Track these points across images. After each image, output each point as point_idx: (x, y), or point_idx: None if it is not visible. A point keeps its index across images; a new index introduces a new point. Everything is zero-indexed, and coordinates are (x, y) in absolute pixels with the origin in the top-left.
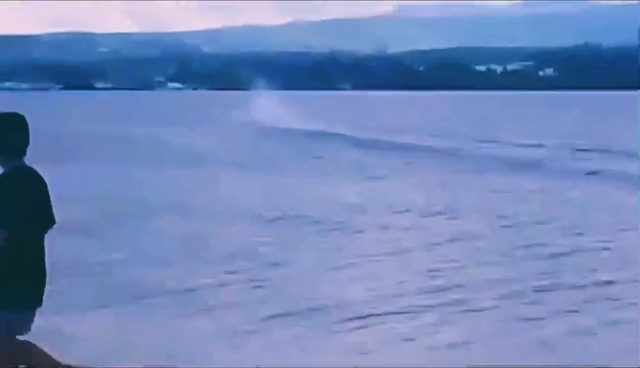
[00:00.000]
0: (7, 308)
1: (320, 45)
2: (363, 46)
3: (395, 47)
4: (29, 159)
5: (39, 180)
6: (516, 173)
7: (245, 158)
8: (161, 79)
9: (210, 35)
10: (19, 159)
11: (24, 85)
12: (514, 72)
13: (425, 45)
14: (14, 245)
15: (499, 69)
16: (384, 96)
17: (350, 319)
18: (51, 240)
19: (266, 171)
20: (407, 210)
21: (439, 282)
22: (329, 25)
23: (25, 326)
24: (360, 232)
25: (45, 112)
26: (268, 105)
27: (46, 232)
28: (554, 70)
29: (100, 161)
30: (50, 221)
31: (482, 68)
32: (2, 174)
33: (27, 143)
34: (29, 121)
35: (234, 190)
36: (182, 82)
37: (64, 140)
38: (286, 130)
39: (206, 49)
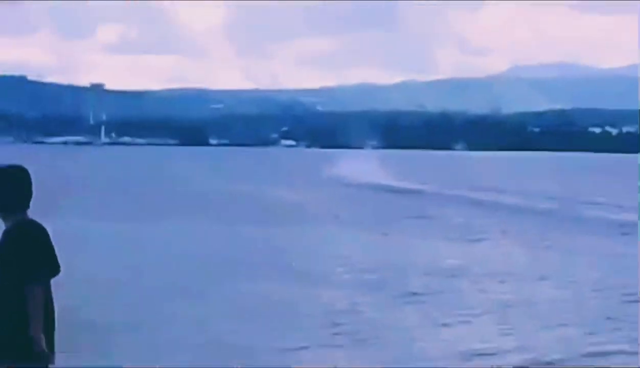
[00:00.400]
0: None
1: (433, 104)
2: (476, 106)
3: (509, 107)
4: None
5: (42, 232)
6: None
7: (356, 216)
8: (275, 135)
9: (324, 93)
10: (20, 214)
11: (139, 140)
12: (629, 134)
13: (539, 106)
14: (21, 296)
15: (614, 131)
16: (498, 157)
17: None
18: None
19: (371, 229)
20: (508, 274)
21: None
22: (441, 85)
23: None
24: (460, 293)
25: (160, 166)
26: (379, 164)
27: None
28: None
29: (208, 218)
30: (56, 269)
31: (597, 130)
32: (5, 231)
33: (28, 197)
34: (144, 176)
35: (342, 250)
36: (296, 140)
37: (177, 197)
38: (398, 189)
39: (320, 107)
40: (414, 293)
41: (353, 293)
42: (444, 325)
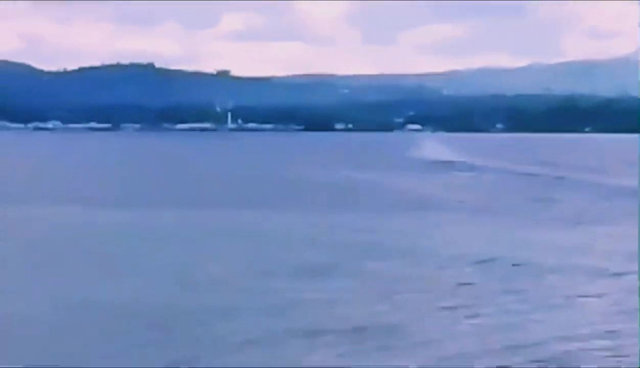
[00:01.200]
0: None
1: (559, 87)
2: (603, 88)
3: (637, 90)
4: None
5: None
6: None
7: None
8: (400, 120)
9: (450, 77)
10: None
11: (266, 126)
12: None
13: None
14: None
15: None
16: (625, 139)
17: None
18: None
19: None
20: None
21: None
22: (568, 67)
23: None
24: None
25: (282, 152)
26: (505, 148)
27: None
28: None
29: (335, 206)
30: None
31: None
32: None
33: None
34: (263, 162)
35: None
36: (421, 124)
37: (299, 184)
38: (524, 173)
39: (445, 91)
40: None
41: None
42: None
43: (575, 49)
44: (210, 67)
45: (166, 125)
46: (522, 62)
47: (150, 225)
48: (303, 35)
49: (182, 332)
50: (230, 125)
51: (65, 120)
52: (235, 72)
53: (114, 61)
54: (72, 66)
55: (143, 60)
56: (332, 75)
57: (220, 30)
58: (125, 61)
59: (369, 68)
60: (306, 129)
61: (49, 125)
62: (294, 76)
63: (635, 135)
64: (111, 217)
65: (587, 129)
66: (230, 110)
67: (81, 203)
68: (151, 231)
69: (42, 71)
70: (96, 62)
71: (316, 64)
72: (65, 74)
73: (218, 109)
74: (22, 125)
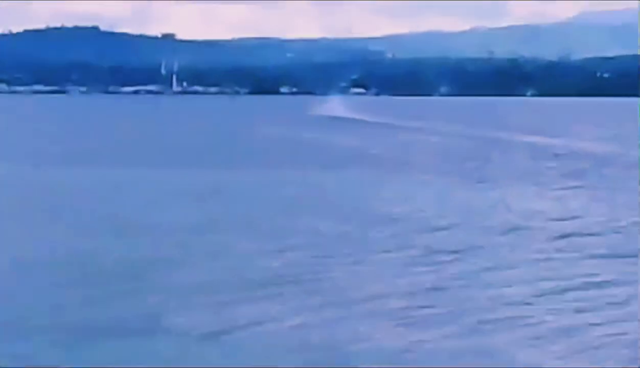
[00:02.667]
0: None
1: (503, 51)
2: (546, 52)
3: (579, 53)
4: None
5: None
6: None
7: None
8: (344, 84)
9: (394, 40)
10: None
11: (212, 89)
12: None
13: (609, 52)
14: None
15: None
16: (568, 102)
17: None
18: None
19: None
20: None
21: None
22: (511, 31)
23: None
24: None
25: (234, 116)
26: (451, 111)
27: None
28: None
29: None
30: None
31: None
32: None
33: None
34: (222, 124)
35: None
36: (366, 88)
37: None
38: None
39: (390, 54)
40: None
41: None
42: None
43: (519, 12)
44: (155, 29)
45: (112, 88)
46: (466, 26)
47: (96, 181)
48: None
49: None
50: (175, 88)
51: (10, 84)
52: (181, 35)
53: (58, 24)
54: (16, 28)
55: (88, 22)
56: (277, 38)
57: None
58: (70, 24)
59: (314, 30)
60: (252, 92)
61: None
62: (241, 38)
63: (576, 99)
64: (59, 174)
65: (530, 92)
66: (175, 73)
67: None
68: (97, 187)
69: None
70: (41, 25)
71: (263, 26)
72: (9, 36)
73: (163, 72)
74: None
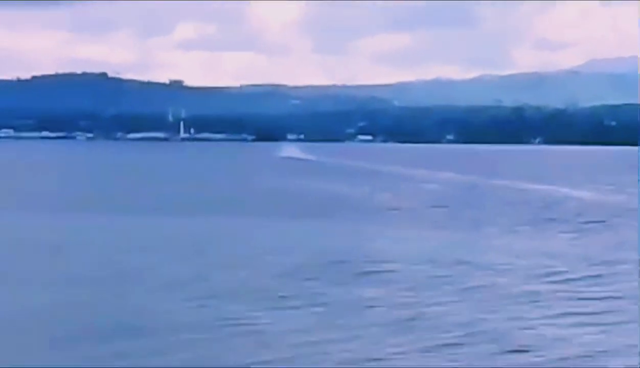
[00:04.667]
0: None
1: (509, 99)
2: (552, 100)
3: (586, 101)
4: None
5: None
6: None
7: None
8: (351, 131)
9: (401, 88)
10: None
11: (218, 136)
12: None
13: (615, 100)
14: None
15: None
16: (575, 151)
17: None
18: None
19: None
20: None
21: None
22: (518, 79)
23: None
24: None
25: (238, 162)
26: (454, 159)
27: None
28: None
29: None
30: None
31: None
32: None
33: None
34: (225, 171)
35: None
36: (372, 135)
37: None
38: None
39: (396, 102)
40: None
41: None
42: None
43: (525, 60)
44: (163, 76)
45: (119, 134)
46: (472, 74)
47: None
48: (256, 44)
49: None
50: (182, 134)
51: (17, 129)
52: (188, 81)
53: (67, 70)
54: (25, 75)
55: (96, 69)
56: (283, 85)
57: (174, 39)
58: (78, 70)
59: (320, 78)
60: (257, 139)
61: (1, 133)
62: (247, 86)
63: (581, 148)
64: (61, 222)
65: (536, 140)
66: (182, 120)
67: (32, 209)
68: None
69: None
70: (49, 71)
71: (268, 73)
72: (18, 83)
73: (171, 119)
74: None
